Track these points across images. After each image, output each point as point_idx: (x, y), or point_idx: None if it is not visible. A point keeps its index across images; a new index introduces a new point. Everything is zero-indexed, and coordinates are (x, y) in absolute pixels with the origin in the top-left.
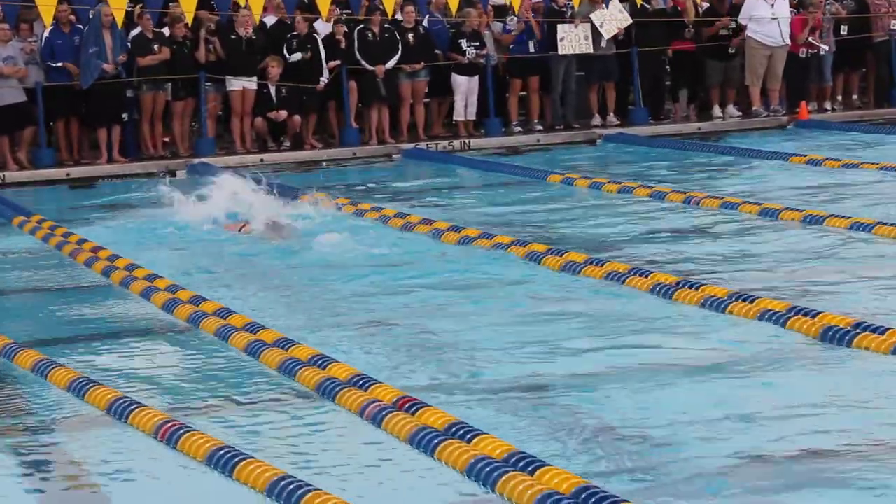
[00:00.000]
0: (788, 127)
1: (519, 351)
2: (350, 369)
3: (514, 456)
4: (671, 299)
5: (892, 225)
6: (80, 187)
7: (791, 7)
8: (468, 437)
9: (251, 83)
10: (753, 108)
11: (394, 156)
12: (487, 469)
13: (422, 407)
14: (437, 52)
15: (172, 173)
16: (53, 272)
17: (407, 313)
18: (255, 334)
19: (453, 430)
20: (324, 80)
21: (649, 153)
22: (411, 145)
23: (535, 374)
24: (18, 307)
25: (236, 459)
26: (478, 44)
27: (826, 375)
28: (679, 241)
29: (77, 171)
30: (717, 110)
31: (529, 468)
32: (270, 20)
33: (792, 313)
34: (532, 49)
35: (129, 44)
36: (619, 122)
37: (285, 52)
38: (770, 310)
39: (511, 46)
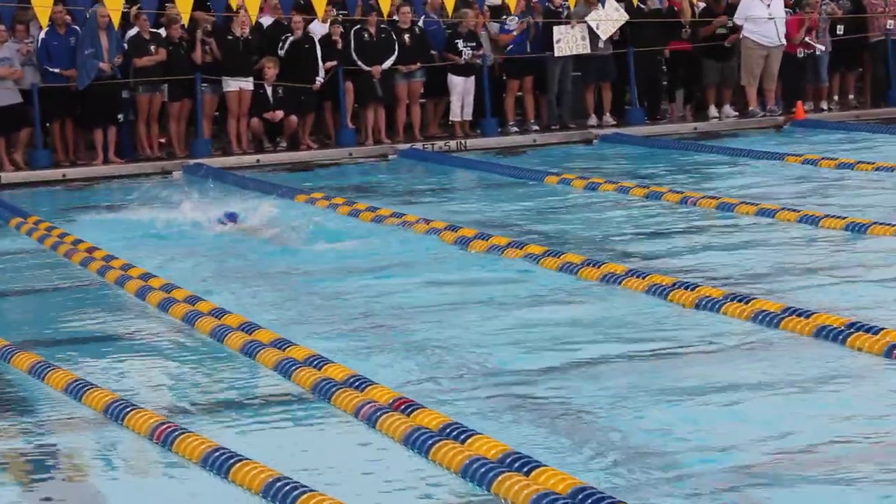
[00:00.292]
0: (785, 127)
1: (514, 352)
2: (346, 370)
3: (509, 456)
4: (667, 300)
5: (888, 225)
6: (76, 188)
7: (787, 7)
8: (463, 437)
9: (247, 84)
10: (750, 108)
11: (390, 156)
12: (483, 470)
13: (417, 408)
14: (433, 52)
15: (168, 174)
16: (50, 273)
17: (403, 314)
18: (250, 334)
19: (448, 430)
20: (320, 80)
21: (646, 153)
22: (407, 146)
23: (531, 375)
24: (15, 308)
25: (232, 461)
26: (474, 44)
27: (819, 375)
28: (675, 241)
29: (73, 173)
30: (713, 110)
31: (525, 469)
32: (267, 21)
33: (786, 313)
34: (529, 49)
35: (125, 45)
36: (615, 123)
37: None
38: (764, 310)
39: (510, 47)
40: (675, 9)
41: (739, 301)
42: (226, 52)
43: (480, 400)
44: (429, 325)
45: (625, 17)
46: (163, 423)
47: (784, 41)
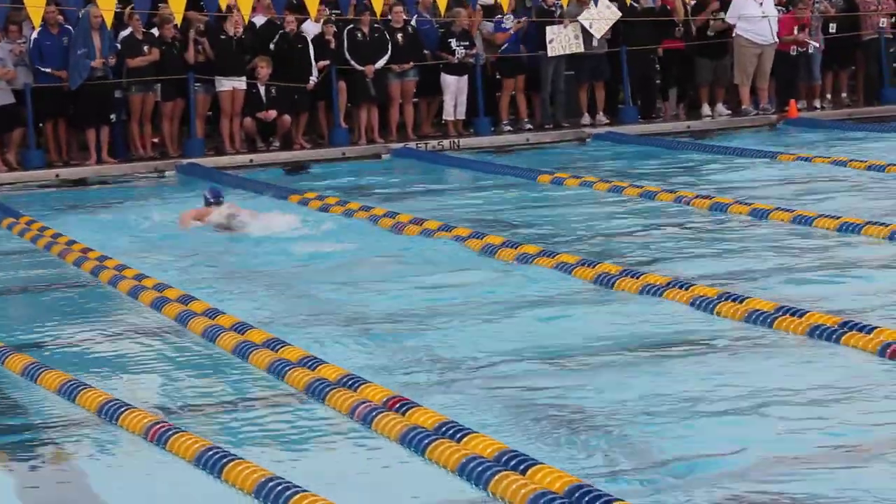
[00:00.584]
0: (778, 126)
1: (509, 350)
2: (339, 370)
3: (505, 455)
4: (660, 298)
5: (880, 224)
6: (69, 189)
7: (780, 5)
8: (459, 436)
9: (240, 83)
10: (743, 106)
11: (383, 155)
12: (479, 469)
13: (412, 407)
14: (426, 51)
15: (161, 174)
16: (43, 273)
17: (396, 313)
18: (243, 335)
19: (444, 429)
20: (313, 79)
21: (639, 152)
22: (400, 145)
23: (526, 373)
24: (8, 308)
25: (225, 460)
26: (467, 43)
27: (813, 373)
28: (668, 240)
29: (66, 173)
30: (706, 109)
31: (521, 467)
32: (259, 20)
33: (780, 312)
34: (522, 49)
35: (118, 45)
36: (608, 121)
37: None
38: (758, 309)
39: (505, 45)
40: (669, 7)
41: (733, 300)
42: (219, 51)
43: (476, 398)
44: (423, 325)
45: (617, 14)
46: (156, 423)
47: (777, 39)
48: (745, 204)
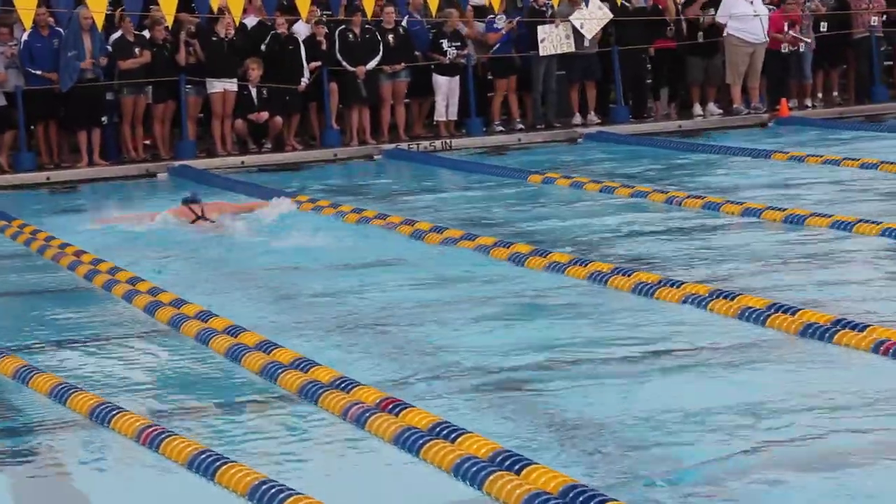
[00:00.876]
0: (769, 124)
1: (503, 350)
2: (332, 371)
3: (499, 455)
4: (653, 297)
5: (872, 222)
6: (61, 191)
7: (770, 4)
8: (453, 436)
9: (232, 85)
10: (734, 105)
11: (375, 156)
12: (474, 469)
13: (405, 407)
14: (417, 52)
15: (153, 176)
16: (35, 276)
17: (389, 314)
18: (236, 337)
19: (438, 430)
20: (305, 81)
21: (631, 152)
22: (392, 146)
23: (520, 374)
24: (1, 312)
25: (218, 463)
26: (459, 44)
27: (806, 371)
28: (660, 239)
29: (58, 175)
30: (697, 108)
31: (516, 467)
32: (251, 21)
33: (772, 311)
34: (513, 49)
35: (109, 47)
36: (600, 121)
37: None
38: (750, 307)
39: (496, 46)
40: (660, 7)
41: (725, 298)
42: (210, 53)
43: (470, 398)
44: (415, 325)
45: (609, 16)
46: (149, 426)
47: (768, 38)
48: (737, 203)
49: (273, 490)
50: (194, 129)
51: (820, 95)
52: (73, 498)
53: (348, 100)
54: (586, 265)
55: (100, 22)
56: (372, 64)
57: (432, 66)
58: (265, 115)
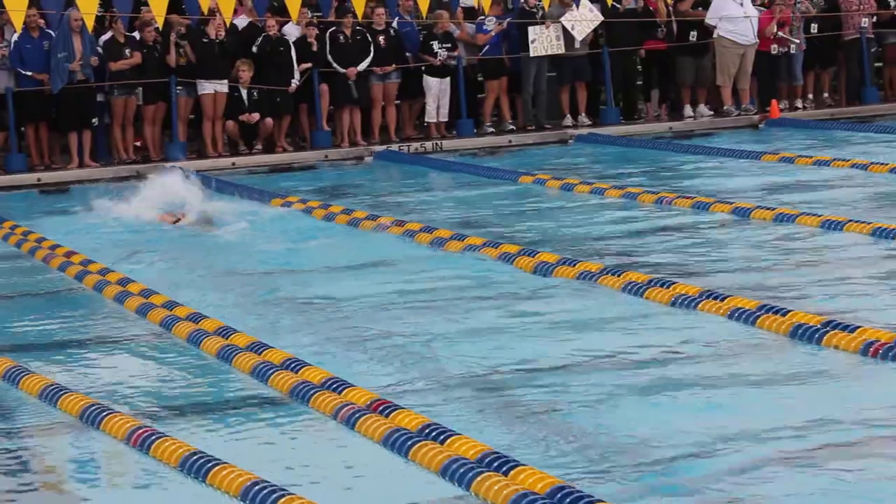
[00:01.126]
0: (760, 126)
1: (492, 352)
2: (323, 372)
3: (488, 456)
4: (643, 298)
5: (862, 222)
6: (51, 192)
7: (761, 5)
8: (442, 438)
9: (222, 86)
10: (725, 106)
11: (366, 158)
12: (462, 470)
13: (395, 409)
14: (408, 54)
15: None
16: (26, 278)
17: (379, 316)
18: (227, 339)
19: (427, 431)
20: (295, 82)
21: (621, 153)
22: (383, 147)
23: (508, 375)
24: None
25: (209, 465)
26: (449, 45)
27: (796, 373)
28: (651, 240)
29: (48, 176)
30: (688, 110)
31: (504, 468)
32: (242, 22)
33: (762, 311)
34: (504, 50)
35: (100, 49)
36: (590, 123)
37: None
38: (740, 308)
39: (486, 48)
40: (651, 8)
41: (715, 299)
42: (200, 54)
43: (459, 400)
44: (405, 327)
45: (599, 18)
46: (139, 428)
47: (758, 39)
48: (728, 203)
49: (266, 490)
50: (185, 131)
51: (810, 97)
52: (62, 500)
53: (339, 101)
54: (575, 265)
55: (90, 23)
56: (363, 65)
57: (423, 68)
58: (256, 115)
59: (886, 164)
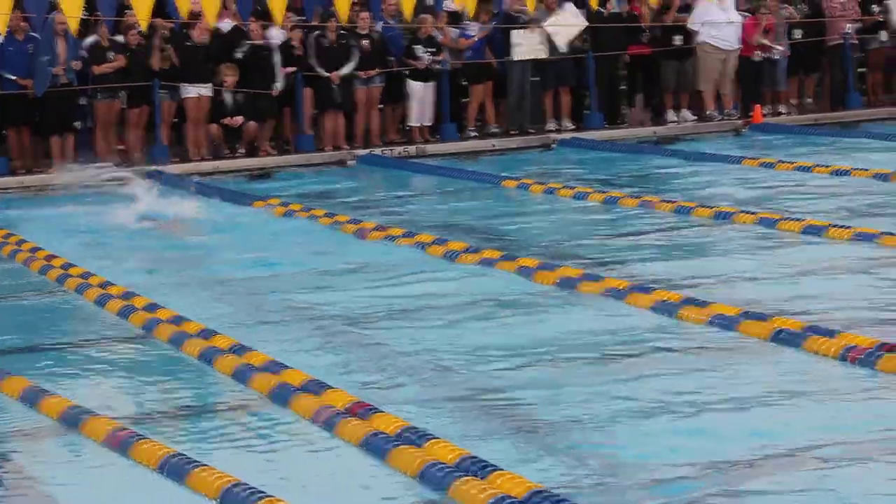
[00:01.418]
0: (743, 131)
1: (471, 356)
2: (303, 375)
3: (465, 460)
4: (623, 302)
5: (844, 227)
6: (33, 195)
7: (744, 11)
8: (420, 441)
9: (206, 90)
10: (707, 111)
11: (349, 162)
12: (440, 474)
13: (374, 412)
14: (392, 58)
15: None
16: (6, 280)
17: (360, 319)
18: (208, 340)
19: (405, 434)
20: (278, 86)
21: (604, 158)
22: (366, 151)
23: (487, 379)
24: None
25: (188, 466)
26: (433, 49)
27: (777, 378)
28: (633, 245)
29: (30, 180)
30: (671, 114)
31: (481, 472)
32: (225, 27)
33: (743, 316)
34: (487, 54)
35: (84, 52)
36: (574, 127)
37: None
38: (722, 314)
39: (468, 53)
40: (636, 13)
41: (696, 305)
42: (184, 58)
43: (437, 404)
44: (386, 330)
45: (584, 23)
46: (119, 429)
47: (741, 45)
48: (709, 208)
49: (245, 493)
50: (168, 135)
51: (794, 102)
52: (42, 502)
53: (322, 105)
54: (555, 269)
55: (74, 27)
56: (346, 69)
57: (406, 72)
58: (240, 119)
59: (869, 170)
